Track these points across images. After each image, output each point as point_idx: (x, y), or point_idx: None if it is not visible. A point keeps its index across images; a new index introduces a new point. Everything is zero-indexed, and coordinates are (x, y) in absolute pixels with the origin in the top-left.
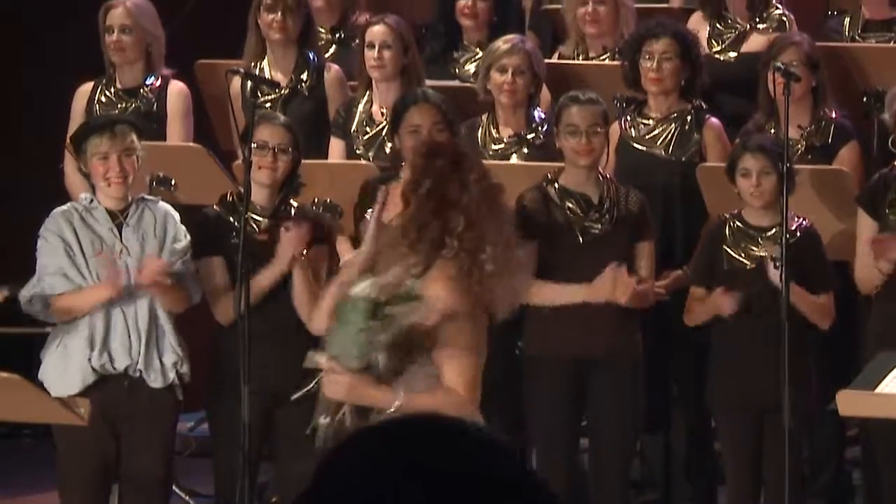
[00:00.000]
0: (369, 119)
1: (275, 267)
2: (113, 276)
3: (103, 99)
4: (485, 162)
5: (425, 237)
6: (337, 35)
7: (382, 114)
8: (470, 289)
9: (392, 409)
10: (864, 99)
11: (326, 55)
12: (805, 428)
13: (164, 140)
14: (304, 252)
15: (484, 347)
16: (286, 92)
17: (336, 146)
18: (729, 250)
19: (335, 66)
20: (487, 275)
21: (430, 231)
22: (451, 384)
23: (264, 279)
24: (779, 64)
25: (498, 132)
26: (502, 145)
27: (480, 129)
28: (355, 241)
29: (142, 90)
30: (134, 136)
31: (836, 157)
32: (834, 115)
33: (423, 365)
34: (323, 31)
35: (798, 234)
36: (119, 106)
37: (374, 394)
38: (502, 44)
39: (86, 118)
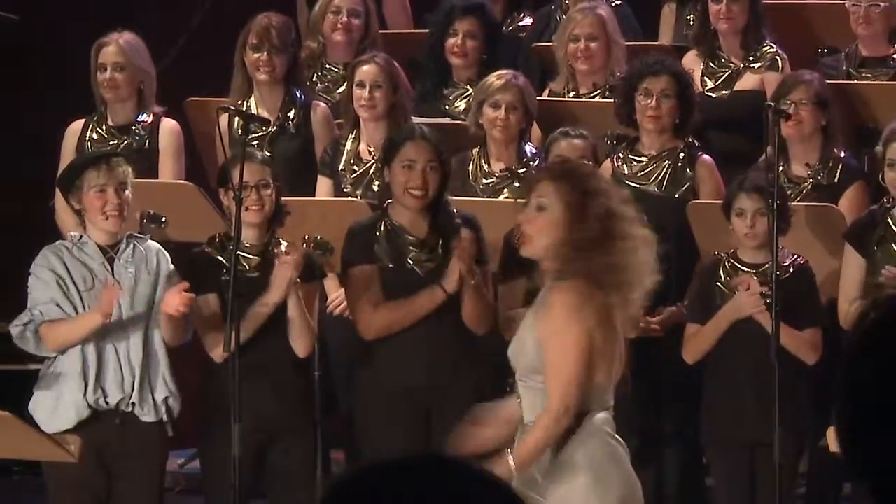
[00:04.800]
0: (357, 158)
1: (272, 294)
2: (106, 302)
3: (94, 136)
4: (475, 197)
5: (581, 256)
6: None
7: (370, 152)
8: (592, 301)
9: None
10: (857, 136)
11: (339, 91)
12: (797, 464)
13: (156, 177)
14: (297, 281)
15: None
16: (273, 130)
17: (323, 185)
18: (723, 287)
19: (322, 105)
20: (625, 284)
21: (596, 252)
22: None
23: (263, 308)
24: (770, 102)
25: (489, 166)
26: (494, 179)
27: (472, 163)
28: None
29: (133, 127)
30: (129, 170)
31: (843, 196)
32: (842, 154)
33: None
34: (336, 68)
35: (791, 269)
36: (111, 143)
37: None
38: (495, 79)
39: (77, 155)
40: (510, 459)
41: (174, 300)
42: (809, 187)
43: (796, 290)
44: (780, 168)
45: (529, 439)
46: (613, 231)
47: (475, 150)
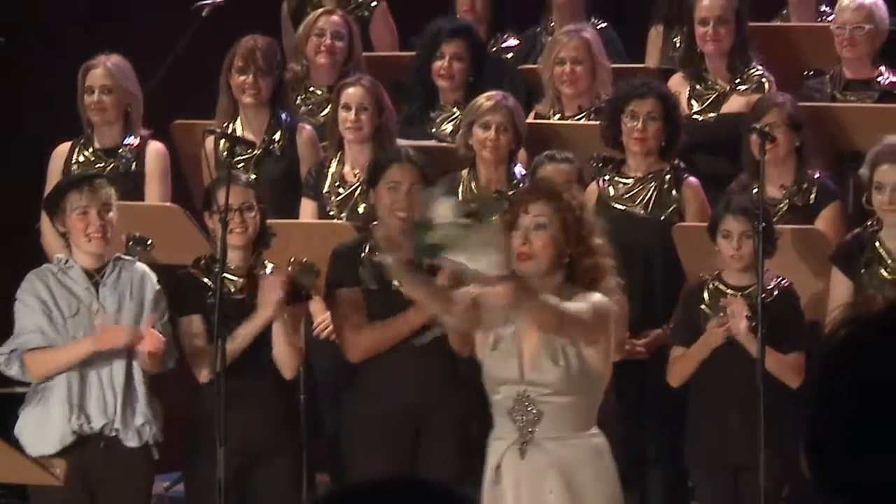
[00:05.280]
0: (341, 180)
1: (260, 315)
2: (107, 338)
3: (81, 159)
4: None
5: (581, 268)
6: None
7: (355, 175)
8: None
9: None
10: (840, 158)
11: (322, 113)
12: (781, 487)
13: (143, 200)
14: (283, 302)
15: None
16: (259, 152)
17: (307, 207)
18: (707, 310)
19: (308, 127)
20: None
21: (585, 261)
22: None
23: (249, 329)
24: (755, 125)
25: (479, 188)
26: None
27: (461, 184)
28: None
29: (120, 150)
30: (112, 191)
31: (819, 216)
32: (817, 176)
33: None
34: (320, 91)
35: (776, 292)
36: (97, 166)
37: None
38: (485, 100)
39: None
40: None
41: (148, 340)
42: (785, 209)
43: (780, 312)
44: (755, 190)
45: (561, 306)
46: (597, 243)
47: (464, 172)
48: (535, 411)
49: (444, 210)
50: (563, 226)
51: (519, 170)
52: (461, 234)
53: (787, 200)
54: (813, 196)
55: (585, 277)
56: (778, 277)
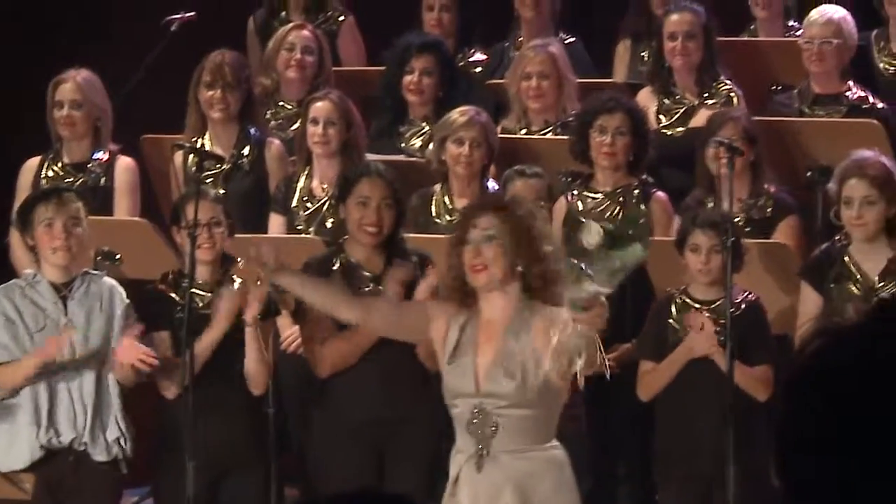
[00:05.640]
0: (310, 194)
1: (217, 325)
2: (49, 347)
3: (50, 174)
4: (438, 234)
5: (537, 275)
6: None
7: (323, 189)
8: None
9: None
10: (809, 173)
11: (292, 128)
12: (751, 501)
13: (112, 215)
14: (258, 317)
15: None
16: (227, 167)
17: (276, 222)
18: (675, 324)
19: (276, 142)
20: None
21: (537, 272)
22: None
23: (206, 343)
24: (722, 139)
25: (452, 203)
26: (457, 216)
27: (434, 199)
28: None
29: (89, 165)
30: (80, 206)
31: (776, 230)
32: (773, 189)
33: None
34: (290, 105)
35: (742, 306)
36: (66, 181)
37: None
38: (458, 115)
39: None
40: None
41: (131, 353)
42: (742, 223)
43: (748, 326)
44: (710, 206)
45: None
46: (547, 250)
47: (437, 187)
48: (491, 424)
49: (592, 236)
50: (513, 236)
51: (492, 185)
52: (609, 258)
53: (744, 214)
54: (769, 210)
55: (537, 284)
56: (745, 292)
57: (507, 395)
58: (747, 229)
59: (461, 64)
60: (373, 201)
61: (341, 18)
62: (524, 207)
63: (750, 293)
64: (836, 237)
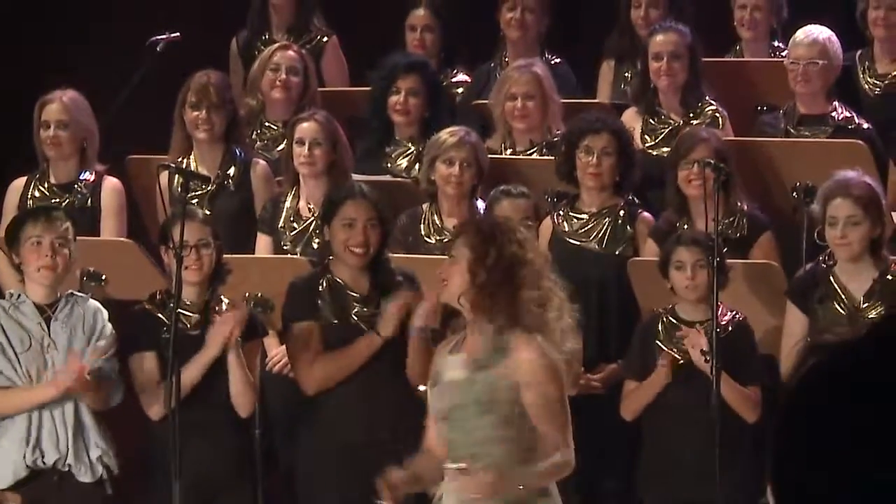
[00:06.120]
0: (296, 215)
1: (208, 350)
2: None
3: (37, 194)
4: (428, 253)
5: (500, 300)
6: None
7: (310, 209)
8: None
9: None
10: (794, 193)
11: (278, 148)
12: None
13: (98, 236)
14: (239, 339)
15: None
16: (213, 187)
17: (263, 242)
18: (661, 345)
19: (262, 162)
20: (551, 331)
21: (502, 294)
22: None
23: (196, 366)
24: (708, 160)
25: (442, 223)
26: (446, 236)
27: (423, 219)
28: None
29: (76, 185)
30: (69, 226)
31: (753, 247)
32: (746, 208)
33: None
34: (275, 126)
35: (730, 327)
36: (53, 201)
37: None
38: (448, 136)
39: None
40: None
41: (70, 370)
42: (720, 241)
43: (736, 347)
44: (685, 227)
45: (544, 470)
46: (520, 279)
47: (426, 207)
48: None
49: None
50: (475, 256)
51: (481, 205)
52: None
53: (721, 234)
54: (745, 228)
55: (504, 309)
56: (732, 311)
57: (453, 406)
58: (725, 249)
59: (444, 84)
60: (358, 222)
61: (324, 39)
62: (491, 230)
63: (737, 313)
64: (821, 257)
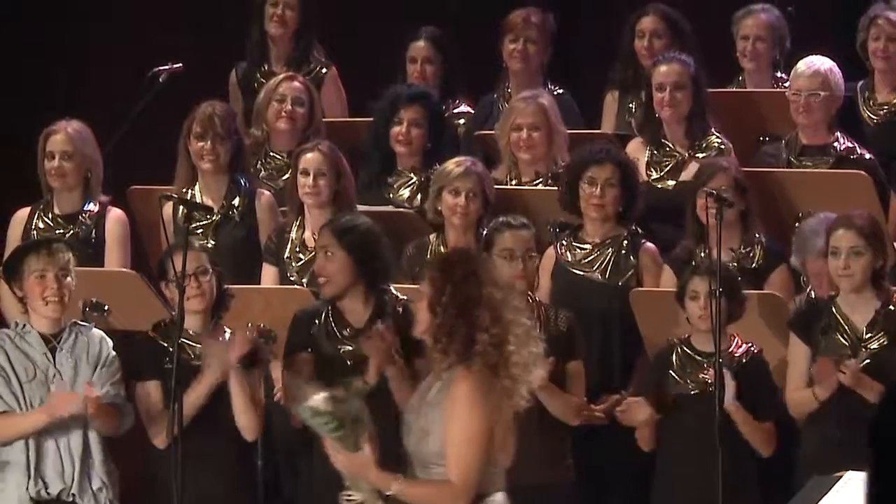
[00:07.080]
0: (302, 245)
1: (206, 375)
2: (57, 404)
3: (41, 225)
4: None
5: (455, 340)
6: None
7: (315, 240)
8: (493, 391)
9: (390, 492)
10: (797, 224)
11: (283, 178)
12: None
13: (102, 266)
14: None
15: (506, 444)
16: (217, 218)
17: (268, 272)
18: (675, 375)
19: (266, 192)
20: (513, 365)
21: (458, 334)
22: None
23: (197, 392)
24: (710, 190)
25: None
26: None
27: (430, 249)
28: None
29: (80, 216)
30: (70, 256)
31: (768, 280)
32: (764, 239)
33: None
34: (280, 156)
35: (745, 360)
36: (57, 232)
37: (373, 476)
38: (454, 166)
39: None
40: (395, 483)
41: (62, 400)
42: (734, 272)
43: (752, 380)
44: (703, 255)
45: (424, 490)
46: (474, 318)
47: (433, 237)
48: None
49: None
50: (434, 292)
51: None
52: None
53: (736, 263)
54: (761, 260)
55: (457, 350)
56: (748, 344)
57: (430, 453)
58: (739, 279)
59: (446, 115)
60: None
61: (324, 70)
62: (450, 266)
63: (752, 345)
64: (808, 289)
